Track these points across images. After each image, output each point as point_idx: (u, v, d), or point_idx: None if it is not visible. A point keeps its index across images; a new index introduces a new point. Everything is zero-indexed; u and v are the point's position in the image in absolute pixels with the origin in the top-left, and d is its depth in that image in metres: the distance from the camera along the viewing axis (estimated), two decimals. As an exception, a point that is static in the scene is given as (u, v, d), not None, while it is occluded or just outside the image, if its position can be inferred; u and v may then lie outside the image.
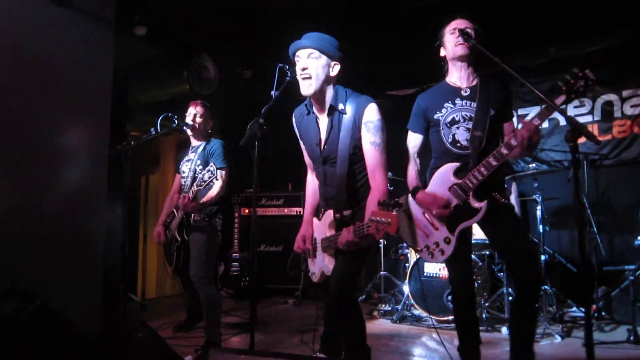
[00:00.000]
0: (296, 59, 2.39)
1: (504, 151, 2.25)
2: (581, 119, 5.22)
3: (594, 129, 5.17)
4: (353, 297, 2.41)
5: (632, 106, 4.99)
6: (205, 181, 3.29)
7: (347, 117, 2.35)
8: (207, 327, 3.48)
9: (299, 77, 2.35)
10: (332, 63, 2.38)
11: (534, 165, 5.04)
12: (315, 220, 2.58)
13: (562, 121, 5.25)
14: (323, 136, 2.43)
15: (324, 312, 2.79)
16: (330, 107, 2.39)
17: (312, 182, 2.72)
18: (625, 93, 5.03)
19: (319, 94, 2.38)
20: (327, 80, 2.38)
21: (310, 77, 2.32)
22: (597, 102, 5.14)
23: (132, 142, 3.14)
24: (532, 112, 5.42)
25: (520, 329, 2.39)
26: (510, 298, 4.04)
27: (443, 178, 2.45)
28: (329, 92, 2.40)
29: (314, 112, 2.48)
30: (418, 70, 5.82)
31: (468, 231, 2.49)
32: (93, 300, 3.61)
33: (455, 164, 2.41)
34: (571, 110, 5.26)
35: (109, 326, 3.27)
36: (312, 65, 2.31)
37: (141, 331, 2.48)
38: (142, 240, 7.36)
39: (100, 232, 3.73)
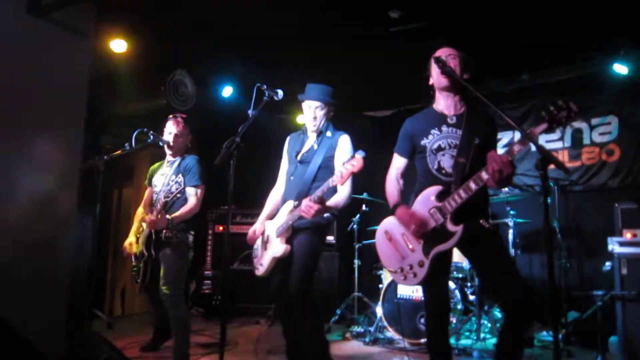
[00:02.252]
0: (305, 105, 3.09)
1: (484, 176, 2.27)
2: (552, 145, 5.37)
3: (565, 155, 5.31)
4: (310, 292, 2.78)
5: (600, 134, 5.15)
6: (172, 192, 3.24)
7: (328, 140, 3.03)
8: (175, 347, 3.39)
9: (308, 116, 3.06)
10: (330, 109, 3.12)
11: (506, 189, 5.13)
12: (268, 221, 3.07)
13: (534, 147, 5.37)
14: (306, 147, 3.09)
15: (278, 314, 3.08)
16: (320, 132, 3.07)
17: (275, 193, 3.22)
18: (593, 121, 5.19)
19: (317, 128, 3.08)
20: (325, 120, 3.10)
21: (316, 120, 3.05)
22: (567, 129, 5.29)
23: (105, 157, 3.08)
24: (505, 136, 5.55)
25: (507, 354, 2.33)
26: (484, 322, 4.07)
27: (425, 200, 2.46)
28: (323, 125, 3.10)
29: (307, 135, 3.15)
30: (396, 92, 5.94)
31: (447, 255, 2.48)
32: (57, 317, 3.49)
33: (439, 187, 2.43)
34: (542, 137, 5.34)
35: (72, 346, 3.15)
36: (318, 114, 3.06)
37: (105, 352, 2.40)
38: (111, 255, 7.19)
39: (67, 246, 3.62)
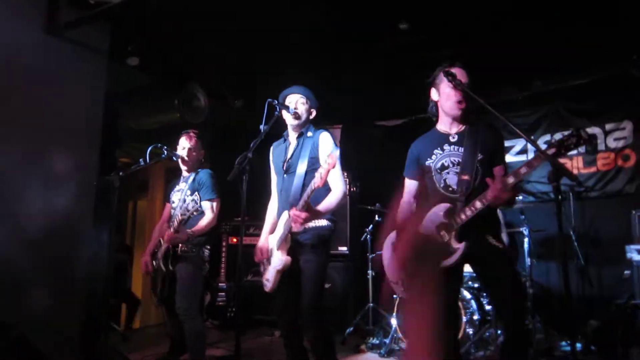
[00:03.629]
0: (287, 101, 2.99)
1: (484, 202, 2.29)
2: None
3: (579, 161, 5.25)
4: (322, 308, 2.73)
5: (615, 139, 5.09)
6: (189, 210, 3.27)
7: (309, 140, 2.96)
8: (190, 359, 3.41)
9: (288, 113, 2.91)
10: (312, 109, 3.05)
11: (520, 197, 5.09)
12: (270, 235, 2.98)
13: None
14: (289, 155, 3.00)
15: (282, 334, 2.94)
16: (300, 134, 3.00)
17: (272, 207, 3.15)
18: (608, 126, 5.13)
19: (299, 127, 3.00)
20: (306, 119, 3.02)
21: (299, 116, 2.95)
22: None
23: (121, 172, 3.13)
24: (517, 143, 5.51)
25: None
26: (499, 332, 4.02)
27: (434, 217, 2.47)
28: (304, 126, 3.03)
29: (289, 141, 3.06)
30: (407, 101, 5.93)
31: (455, 269, 2.48)
32: (73, 330, 3.53)
33: (447, 205, 2.43)
34: (546, 148, 5.34)
35: (89, 358, 3.18)
36: (300, 109, 2.97)
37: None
38: (128, 267, 7.25)
39: (84, 260, 3.67)
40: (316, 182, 2.47)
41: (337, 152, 2.47)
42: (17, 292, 3.15)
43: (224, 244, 5.66)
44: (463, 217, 2.34)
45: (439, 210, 2.45)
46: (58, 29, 3.64)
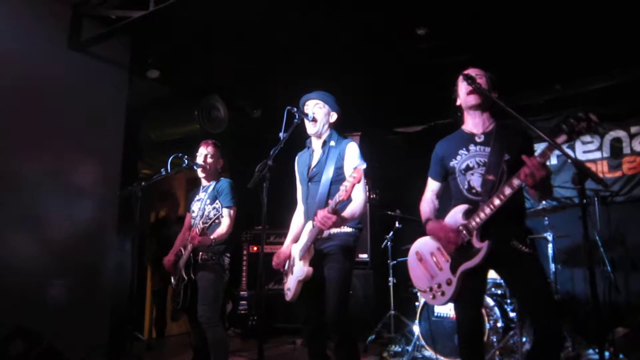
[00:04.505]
0: (305, 107, 2.96)
1: (507, 191, 2.24)
2: (590, 155, 5.22)
3: (604, 166, 5.15)
4: (347, 316, 2.68)
5: (640, 143, 4.98)
6: (210, 218, 3.29)
7: (334, 150, 2.90)
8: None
9: (307, 119, 2.88)
10: (332, 112, 2.97)
11: (544, 202, 5.00)
12: (294, 245, 2.94)
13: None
14: (313, 163, 2.96)
15: (306, 342, 2.94)
16: (323, 142, 2.94)
17: (297, 216, 3.11)
18: (633, 129, 5.03)
19: (320, 134, 2.95)
20: (327, 124, 2.95)
21: (315, 121, 2.90)
22: (605, 138, 5.14)
23: (143, 183, 3.18)
24: (537, 148, 5.42)
25: None
26: (524, 339, 3.95)
27: (452, 219, 2.45)
28: (327, 132, 2.97)
29: (312, 148, 3.02)
30: (426, 107, 5.91)
31: (479, 273, 2.44)
32: (99, 339, 3.58)
33: (465, 206, 2.41)
34: (580, 147, 5.27)
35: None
36: (317, 113, 2.91)
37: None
38: (149, 277, 7.33)
39: (109, 270, 3.73)
40: (341, 195, 2.44)
41: (363, 167, 2.45)
42: (46, 301, 3.21)
43: (244, 252, 5.68)
44: (483, 215, 2.29)
45: (457, 212, 2.43)
46: (81, 44, 3.74)
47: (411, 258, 2.66)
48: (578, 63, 4.88)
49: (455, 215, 2.44)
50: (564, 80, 5.28)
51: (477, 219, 2.32)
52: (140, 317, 6.28)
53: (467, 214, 2.39)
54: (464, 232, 2.37)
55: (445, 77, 2.73)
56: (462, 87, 2.52)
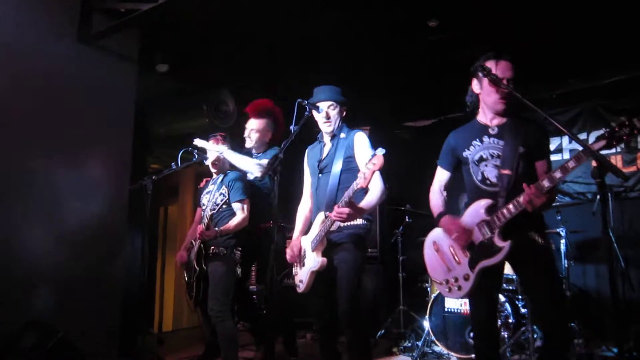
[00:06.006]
0: (318, 105, 2.95)
1: (523, 201, 2.20)
2: (604, 151, 5.13)
3: (618, 161, 5.08)
4: (359, 307, 2.68)
5: (656, 137, 4.91)
6: (217, 204, 3.27)
7: (344, 141, 2.94)
8: (223, 361, 3.43)
9: (321, 119, 2.93)
10: (343, 108, 3.02)
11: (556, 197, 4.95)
12: (303, 237, 2.95)
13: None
14: (324, 155, 3.00)
15: (317, 336, 2.94)
16: (333, 135, 2.99)
17: (303, 208, 3.14)
18: (648, 124, 4.94)
19: (332, 130, 2.99)
20: (339, 119, 3.00)
21: (330, 121, 2.94)
22: (619, 132, 5.06)
23: (154, 177, 3.17)
24: (552, 142, 5.37)
25: None
26: (535, 335, 3.91)
27: (474, 213, 2.41)
28: (338, 127, 3.01)
29: (323, 142, 3.05)
30: (436, 101, 5.86)
31: (496, 270, 2.40)
32: (111, 333, 3.59)
33: (488, 201, 2.36)
34: (594, 142, 5.19)
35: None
36: (332, 114, 2.95)
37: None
38: (159, 272, 7.36)
39: (120, 265, 3.73)
40: (359, 183, 2.42)
41: (383, 152, 2.38)
42: (60, 295, 3.22)
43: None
44: (507, 214, 2.26)
45: (479, 207, 2.39)
46: (90, 38, 3.73)
47: (427, 247, 2.63)
48: (591, 57, 4.81)
49: (478, 209, 2.39)
50: (576, 74, 5.21)
51: (501, 217, 2.28)
52: (151, 311, 6.31)
53: (490, 210, 2.35)
54: (486, 228, 2.33)
55: (456, 70, 2.68)
56: (493, 87, 2.40)
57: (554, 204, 4.32)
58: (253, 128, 3.80)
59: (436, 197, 2.66)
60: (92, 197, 3.64)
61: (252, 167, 3.33)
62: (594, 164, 1.94)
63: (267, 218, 3.54)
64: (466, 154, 2.50)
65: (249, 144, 3.72)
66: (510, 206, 2.25)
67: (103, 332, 3.45)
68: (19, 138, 3.24)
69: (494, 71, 2.32)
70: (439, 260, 2.54)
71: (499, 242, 2.28)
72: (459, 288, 2.41)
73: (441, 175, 2.68)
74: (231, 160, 3.58)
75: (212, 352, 4.00)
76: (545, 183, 2.14)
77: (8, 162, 3.17)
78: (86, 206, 3.58)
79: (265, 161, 3.27)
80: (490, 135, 2.46)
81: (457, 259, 2.45)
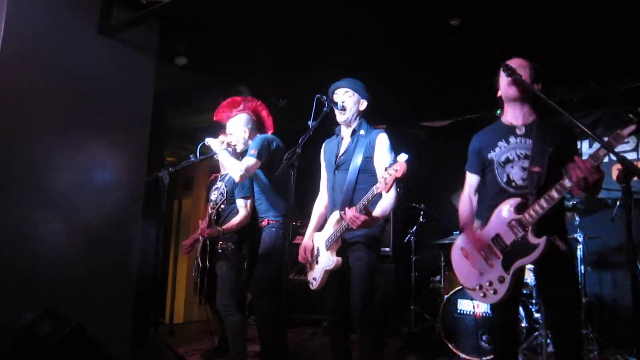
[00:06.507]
0: (334, 95, 2.93)
1: (567, 184, 2.13)
2: (626, 156, 5.05)
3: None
4: (372, 306, 2.67)
5: (680, 142, 4.80)
6: (223, 195, 3.27)
7: (364, 139, 2.86)
8: (232, 355, 3.44)
9: (337, 108, 2.85)
10: (361, 100, 2.93)
11: (574, 200, 4.87)
12: (316, 233, 2.94)
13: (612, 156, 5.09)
14: (341, 151, 2.93)
15: (330, 331, 2.92)
16: (353, 131, 2.91)
17: (319, 204, 3.09)
18: (670, 130, 4.84)
19: (349, 122, 2.92)
20: (357, 112, 2.92)
21: (345, 109, 2.87)
22: (640, 138, 4.97)
23: (170, 168, 3.18)
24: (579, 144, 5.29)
25: None
26: (548, 340, 3.86)
27: (502, 214, 2.36)
28: (356, 121, 2.94)
29: (341, 136, 2.99)
30: (453, 101, 5.80)
31: (520, 274, 2.37)
32: (123, 324, 3.61)
33: (517, 199, 2.32)
34: (623, 128, 5.09)
35: (139, 350, 3.25)
36: (347, 102, 2.87)
37: (170, 359, 2.47)
38: (172, 264, 7.41)
39: (134, 256, 3.75)
40: (379, 187, 2.39)
41: (405, 159, 2.35)
42: (74, 285, 3.25)
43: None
44: (539, 210, 2.20)
45: (509, 205, 2.34)
46: (110, 30, 3.75)
47: (455, 255, 2.58)
48: (614, 60, 4.72)
49: (507, 209, 2.35)
50: (599, 77, 5.12)
51: (533, 214, 2.23)
52: (162, 303, 6.36)
53: (520, 208, 2.31)
54: (518, 227, 2.29)
55: (475, 71, 2.65)
56: (503, 78, 2.42)
57: (570, 204, 4.27)
58: (229, 132, 3.68)
59: (464, 205, 2.63)
60: (108, 188, 3.65)
61: (233, 171, 3.22)
62: (614, 170, 1.90)
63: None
64: (491, 155, 2.47)
65: (238, 148, 3.60)
66: (542, 201, 2.19)
67: (116, 321, 3.47)
68: (39, 130, 3.26)
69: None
70: (469, 266, 2.48)
71: (533, 239, 2.23)
72: (495, 292, 2.34)
73: (470, 180, 2.64)
74: (221, 161, 3.52)
75: (225, 345, 4.02)
76: (592, 160, 2.03)
77: (28, 152, 3.20)
78: (102, 197, 3.60)
79: (251, 161, 3.20)
80: (517, 136, 2.42)
81: (489, 262, 2.39)
